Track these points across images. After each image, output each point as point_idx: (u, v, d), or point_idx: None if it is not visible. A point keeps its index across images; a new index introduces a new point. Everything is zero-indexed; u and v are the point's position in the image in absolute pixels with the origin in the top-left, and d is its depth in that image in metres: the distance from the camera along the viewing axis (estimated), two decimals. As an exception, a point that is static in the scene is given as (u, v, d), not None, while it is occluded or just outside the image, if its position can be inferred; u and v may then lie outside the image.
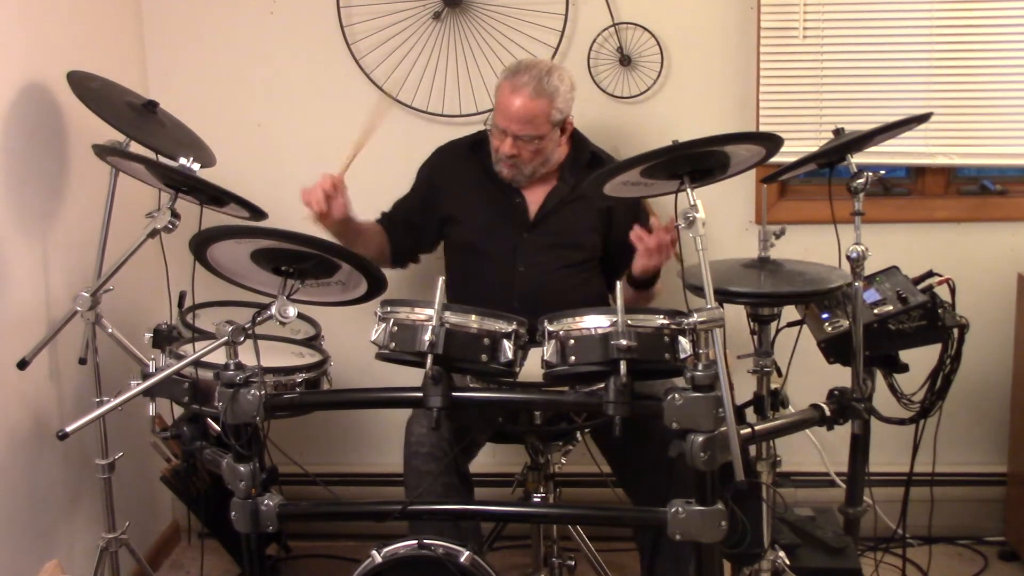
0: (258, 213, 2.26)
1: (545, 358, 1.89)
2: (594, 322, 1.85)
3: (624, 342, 1.78)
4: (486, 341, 1.87)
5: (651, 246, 2.45)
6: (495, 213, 2.68)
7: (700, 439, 1.76)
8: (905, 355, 2.42)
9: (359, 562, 1.96)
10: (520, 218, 2.66)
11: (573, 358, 1.85)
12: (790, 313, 2.44)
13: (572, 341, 1.85)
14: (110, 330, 2.40)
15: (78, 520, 2.66)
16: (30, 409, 2.47)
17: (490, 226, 2.67)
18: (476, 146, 2.76)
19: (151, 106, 2.52)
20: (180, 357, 2.16)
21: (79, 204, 2.66)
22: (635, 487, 2.48)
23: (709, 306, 1.78)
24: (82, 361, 2.40)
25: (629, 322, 1.81)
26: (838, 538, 2.63)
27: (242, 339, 1.90)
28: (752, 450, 2.32)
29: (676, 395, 1.77)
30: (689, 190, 1.85)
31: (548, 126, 2.54)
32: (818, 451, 3.02)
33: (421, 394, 1.86)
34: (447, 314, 1.86)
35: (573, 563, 2.51)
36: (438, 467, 2.32)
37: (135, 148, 2.36)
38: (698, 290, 1.88)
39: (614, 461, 2.49)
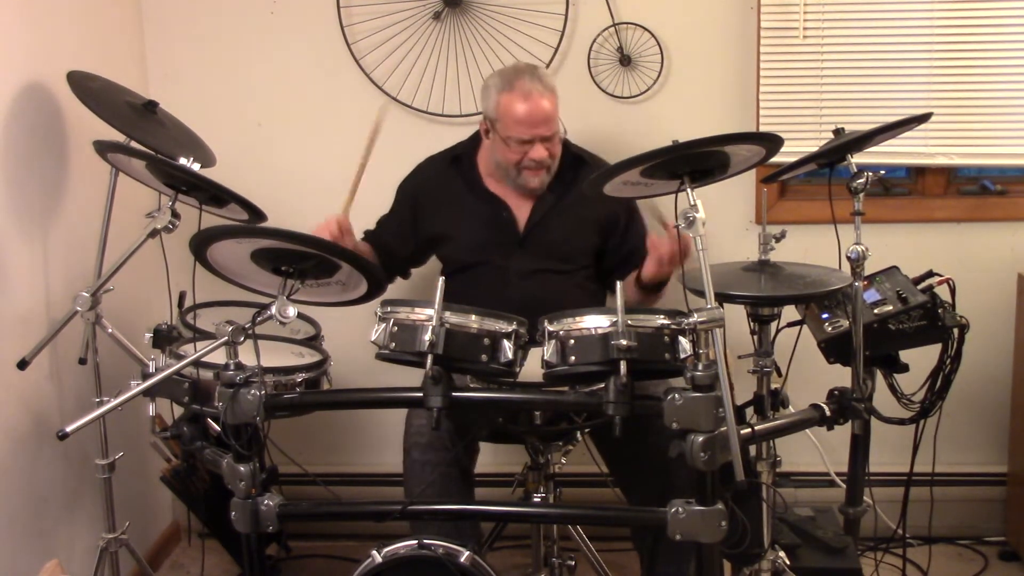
0: (258, 214, 2.26)
1: (545, 358, 1.89)
2: (594, 322, 1.85)
3: (624, 342, 1.78)
4: (486, 341, 1.87)
5: (663, 254, 2.42)
6: (484, 230, 2.64)
7: (700, 439, 1.76)
8: (905, 355, 2.42)
9: (359, 562, 1.95)
10: (510, 234, 2.64)
11: (573, 358, 1.84)
12: (790, 313, 2.43)
13: (572, 341, 1.85)
14: (110, 330, 2.40)
15: (78, 520, 2.66)
16: (30, 409, 2.47)
17: (480, 244, 2.64)
18: (456, 161, 2.72)
19: (151, 106, 2.52)
20: (180, 357, 2.16)
21: (79, 204, 2.67)
22: (632, 487, 2.48)
23: (709, 306, 1.78)
24: (82, 361, 2.40)
25: (629, 322, 1.81)
26: (838, 538, 2.63)
27: (242, 339, 1.90)
28: (752, 450, 2.32)
29: (676, 395, 1.77)
30: (689, 190, 1.85)
31: (558, 118, 2.56)
32: (818, 451, 3.02)
33: (421, 394, 1.86)
34: (447, 314, 1.85)
35: (573, 563, 2.50)
36: (437, 458, 2.32)
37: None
38: (698, 293, 1.88)
39: (611, 461, 2.49)
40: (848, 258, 2.20)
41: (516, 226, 2.64)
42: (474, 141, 2.71)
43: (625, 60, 3.00)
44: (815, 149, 2.42)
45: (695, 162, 1.88)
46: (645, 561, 2.46)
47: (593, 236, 2.67)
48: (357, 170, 2.55)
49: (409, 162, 2.84)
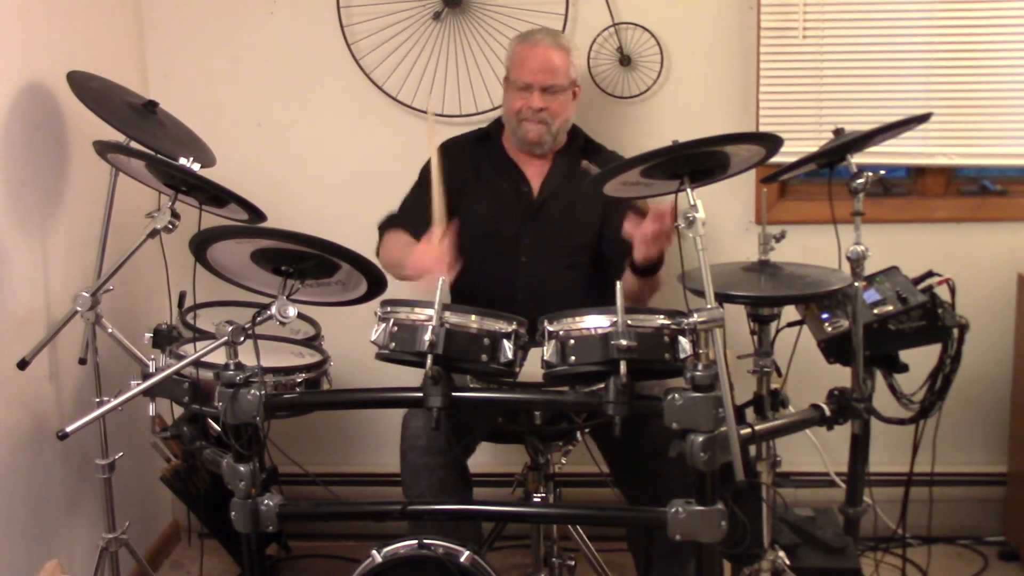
0: (258, 214, 2.26)
1: (545, 358, 1.88)
2: (594, 322, 1.85)
3: (624, 342, 1.77)
4: (486, 341, 1.86)
5: (647, 234, 2.32)
6: (501, 202, 2.69)
7: (700, 439, 1.76)
8: (905, 355, 2.42)
9: (359, 562, 1.95)
10: (525, 206, 2.68)
11: (573, 358, 1.84)
12: (790, 313, 2.44)
13: (572, 341, 1.85)
14: (110, 330, 2.40)
15: (78, 520, 2.66)
16: (30, 409, 2.46)
17: (495, 216, 2.68)
18: (482, 139, 2.78)
19: (151, 106, 2.52)
20: (180, 357, 2.16)
21: (79, 204, 2.66)
22: (631, 487, 2.48)
23: (709, 306, 1.78)
24: (82, 361, 2.40)
25: (629, 322, 1.80)
26: (838, 538, 2.63)
27: (242, 339, 1.90)
28: (752, 450, 2.32)
29: (676, 395, 1.77)
30: (689, 190, 1.85)
31: (567, 79, 2.61)
32: (818, 451, 3.02)
33: (421, 394, 1.86)
34: (447, 314, 1.85)
35: (573, 563, 2.50)
36: (435, 461, 2.32)
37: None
38: (698, 293, 1.88)
39: (611, 460, 2.49)
40: (848, 258, 2.20)
41: (532, 198, 2.68)
42: (500, 124, 2.76)
43: (625, 60, 3.00)
44: (815, 149, 2.42)
45: (695, 162, 1.88)
46: (641, 565, 2.46)
47: (598, 217, 2.67)
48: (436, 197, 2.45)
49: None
